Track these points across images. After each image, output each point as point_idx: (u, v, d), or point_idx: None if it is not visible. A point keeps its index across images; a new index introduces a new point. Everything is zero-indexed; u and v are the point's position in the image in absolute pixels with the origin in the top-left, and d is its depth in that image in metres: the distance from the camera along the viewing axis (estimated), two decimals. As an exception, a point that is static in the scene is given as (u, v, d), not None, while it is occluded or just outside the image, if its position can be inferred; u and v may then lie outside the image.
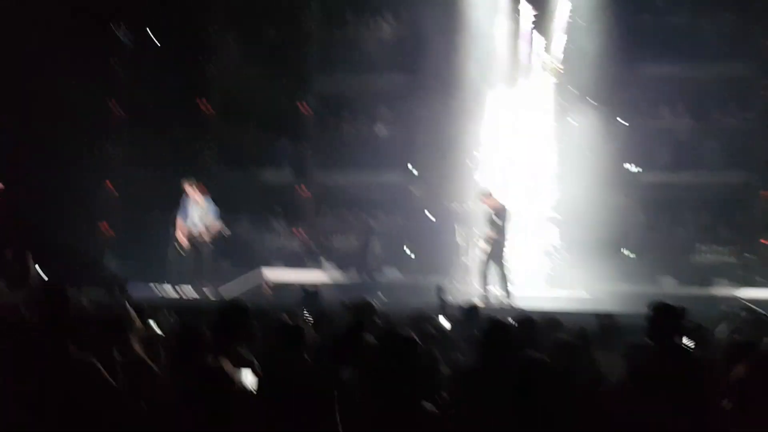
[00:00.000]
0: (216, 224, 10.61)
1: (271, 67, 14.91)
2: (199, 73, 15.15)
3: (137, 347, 4.38)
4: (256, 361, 4.15)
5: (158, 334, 5.03)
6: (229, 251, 13.33)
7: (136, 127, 14.34)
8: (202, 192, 10.87)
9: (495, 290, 10.42)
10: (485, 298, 10.04)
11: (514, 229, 10.54)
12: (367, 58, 15.07)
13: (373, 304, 5.44)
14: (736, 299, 9.79)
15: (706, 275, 12.89)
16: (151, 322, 5.03)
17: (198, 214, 10.62)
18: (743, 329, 5.64)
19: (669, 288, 12.11)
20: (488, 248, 10.44)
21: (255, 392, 2.87)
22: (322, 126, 15.54)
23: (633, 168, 14.54)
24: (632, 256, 13.79)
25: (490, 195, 10.66)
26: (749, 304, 7.78)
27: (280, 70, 14.91)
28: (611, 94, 14.33)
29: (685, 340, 5.18)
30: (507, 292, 10.31)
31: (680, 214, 14.25)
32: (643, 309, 4.55)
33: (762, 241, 12.75)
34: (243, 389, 2.76)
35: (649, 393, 4.06)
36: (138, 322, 4.49)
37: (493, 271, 10.45)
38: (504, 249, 10.59)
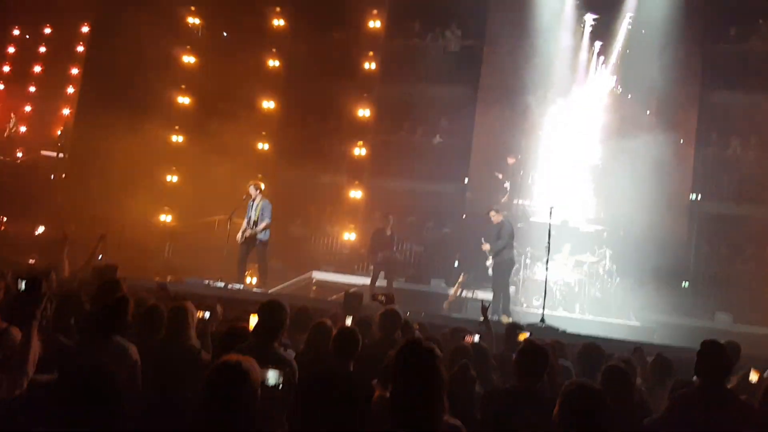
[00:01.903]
0: (268, 224, 10.88)
1: (334, 71, 15.18)
2: (264, 73, 15.55)
3: (193, 337, 4.61)
4: (293, 360, 4.29)
5: (209, 326, 5.21)
6: (284, 253, 13.60)
7: (204, 121, 14.85)
8: (262, 193, 11.17)
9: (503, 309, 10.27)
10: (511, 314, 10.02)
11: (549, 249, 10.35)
12: (431, 68, 15.14)
13: (401, 313, 5.45)
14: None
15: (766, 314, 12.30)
16: (206, 314, 5.21)
17: (255, 214, 10.92)
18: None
19: (724, 324, 11.59)
20: (494, 267, 10.47)
21: (283, 390, 2.91)
22: (382, 133, 15.69)
23: (696, 196, 14.11)
24: (686, 286, 13.32)
25: (496, 212, 10.70)
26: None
27: (343, 74, 15.15)
28: (680, 119, 13.97)
29: (752, 376, 5.05)
30: (508, 312, 10.18)
31: (743, 248, 13.70)
32: (695, 344, 4.46)
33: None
34: (266, 387, 2.82)
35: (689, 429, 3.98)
36: (195, 314, 4.71)
37: (505, 290, 10.45)
38: (510, 269, 10.62)
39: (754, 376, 5.15)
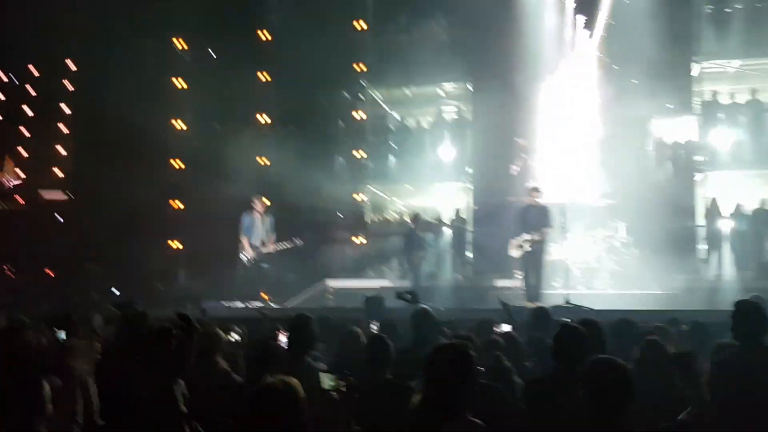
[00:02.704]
0: (273, 237, 10.89)
1: (326, 78, 15.15)
2: (256, 89, 15.52)
3: (221, 360, 4.57)
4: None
5: (238, 347, 5.17)
6: (294, 264, 13.56)
7: (202, 143, 14.82)
8: (265, 207, 11.15)
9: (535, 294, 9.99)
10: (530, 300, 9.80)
11: (565, 228, 10.17)
12: (421, 62, 15.07)
13: (430, 310, 5.41)
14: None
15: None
16: (233, 334, 5.18)
17: (262, 229, 10.90)
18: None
19: (748, 282, 11.51)
20: (533, 248, 10.03)
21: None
22: (378, 135, 15.66)
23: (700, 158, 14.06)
24: (705, 248, 13.29)
25: (538, 191, 10.23)
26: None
27: (335, 80, 15.11)
28: (674, 84, 13.91)
29: None
30: (539, 294, 9.93)
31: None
32: (720, 306, 4.43)
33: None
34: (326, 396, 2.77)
35: (735, 393, 3.92)
36: (223, 337, 4.68)
37: (532, 275, 10.07)
38: (547, 250, 10.25)
39: None
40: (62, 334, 2.95)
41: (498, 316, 6.83)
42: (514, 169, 13.30)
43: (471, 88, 14.79)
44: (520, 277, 10.36)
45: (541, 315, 6.19)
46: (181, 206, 15.06)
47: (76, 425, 2.81)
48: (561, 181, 11.19)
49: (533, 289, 9.97)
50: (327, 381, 2.79)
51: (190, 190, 14.86)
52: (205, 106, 14.72)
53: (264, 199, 11.37)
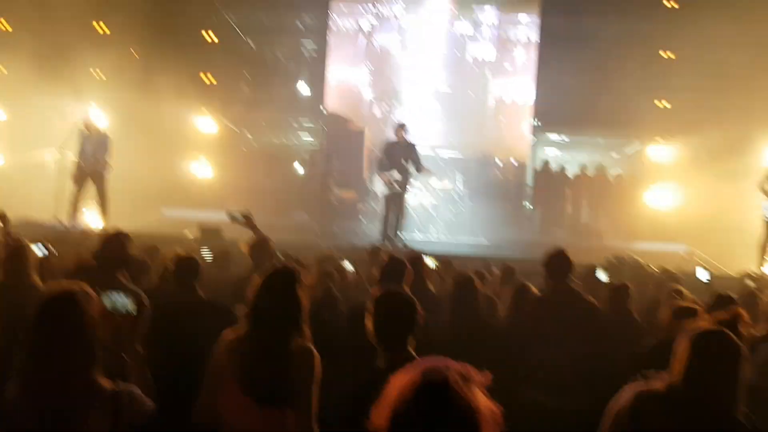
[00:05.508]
0: (108, 158, 10.07)
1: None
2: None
3: (34, 277, 4.19)
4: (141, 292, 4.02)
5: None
6: (129, 191, 12.68)
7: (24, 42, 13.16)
8: (97, 126, 10.27)
9: (394, 233, 9.97)
10: (388, 240, 9.80)
11: (418, 173, 10.12)
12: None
13: (270, 241, 5.35)
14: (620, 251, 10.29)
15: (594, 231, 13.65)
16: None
17: (92, 148, 10.03)
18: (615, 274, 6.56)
19: (560, 240, 12.65)
20: (392, 191, 9.91)
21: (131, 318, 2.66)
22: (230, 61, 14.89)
23: (537, 122, 14.99)
24: (531, 207, 14.39)
25: (405, 128, 9.94)
26: (635, 257, 8.40)
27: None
28: (521, 48, 14.59)
29: (599, 275, 5.55)
30: (401, 235, 10.02)
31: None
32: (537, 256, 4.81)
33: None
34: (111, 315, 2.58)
35: (538, 327, 4.31)
36: (35, 253, 4.30)
37: (394, 214, 9.97)
38: (406, 191, 10.11)
39: (602, 276, 5.78)
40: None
41: (339, 251, 6.89)
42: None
43: (329, 23, 14.45)
44: (381, 216, 10.18)
45: (374, 252, 6.37)
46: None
47: None
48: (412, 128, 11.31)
49: (393, 229, 9.85)
50: (115, 301, 2.59)
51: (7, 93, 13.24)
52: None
53: (92, 118, 10.40)
